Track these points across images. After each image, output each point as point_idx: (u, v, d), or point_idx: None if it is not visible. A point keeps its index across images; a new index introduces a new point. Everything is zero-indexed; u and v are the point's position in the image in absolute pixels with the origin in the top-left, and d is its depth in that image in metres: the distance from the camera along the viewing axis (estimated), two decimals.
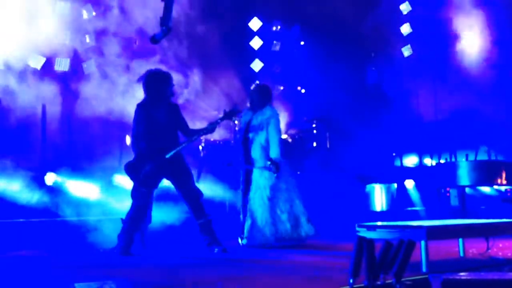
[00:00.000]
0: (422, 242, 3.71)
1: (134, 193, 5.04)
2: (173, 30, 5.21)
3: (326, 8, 9.92)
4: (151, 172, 4.99)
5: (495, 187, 9.24)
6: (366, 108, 10.52)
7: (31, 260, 4.92)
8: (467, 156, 8.29)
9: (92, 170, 7.17)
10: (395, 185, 9.55)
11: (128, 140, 8.35)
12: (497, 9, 10.67)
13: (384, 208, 9.17)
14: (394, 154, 10.97)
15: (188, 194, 5.05)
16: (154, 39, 4.95)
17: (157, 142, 5.05)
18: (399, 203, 9.36)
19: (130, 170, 5.05)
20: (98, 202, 6.88)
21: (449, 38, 11.08)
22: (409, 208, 9.13)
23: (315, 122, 9.72)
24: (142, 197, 5.01)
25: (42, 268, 4.42)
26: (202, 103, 8.78)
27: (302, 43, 11.25)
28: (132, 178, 5.04)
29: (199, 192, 5.10)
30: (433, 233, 3.72)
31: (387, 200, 9.26)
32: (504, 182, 6.87)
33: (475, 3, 10.90)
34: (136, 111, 5.16)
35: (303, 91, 11.13)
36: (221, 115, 5.25)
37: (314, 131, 9.82)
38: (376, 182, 9.21)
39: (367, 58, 11.14)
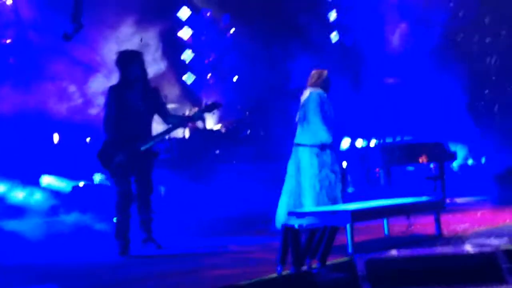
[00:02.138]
0: (347, 225, 3.87)
1: (115, 183, 4.81)
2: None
3: None
4: (124, 162, 4.71)
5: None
6: (300, 92, 10.72)
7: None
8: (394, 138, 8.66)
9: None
10: None
11: (55, 138, 8.11)
12: None
13: None
14: None
15: (142, 186, 4.85)
16: (67, 36, 4.80)
17: (130, 128, 4.75)
18: None
19: (102, 158, 4.79)
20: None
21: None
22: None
23: (248, 110, 9.81)
24: (124, 186, 4.76)
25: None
26: None
27: (232, 30, 11.26)
28: (103, 166, 4.84)
29: (152, 188, 4.92)
30: (357, 216, 3.89)
31: None
32: (425, 160, 7.27)
33: None
34: (107, 94, 4.85)
35: (235, 79, 11.16)
36: (201, 108, 5.12)
37: (248, 120, 9.91)
38: None
39: (297, 42, 11.30)
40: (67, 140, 8.15)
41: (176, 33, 10.55)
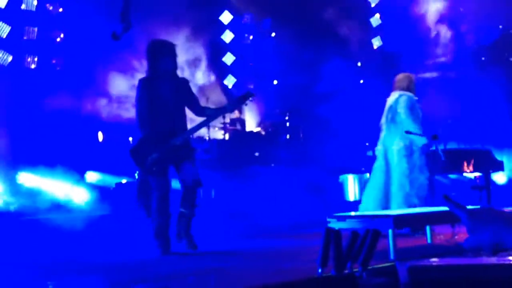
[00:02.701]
0: (390, 231, 3.80)
1: (152, 181, 4.58)
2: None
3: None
4: (158, 160, 4.47)
5: (466, 174, 9.45)
6: (339, 98, 10.65)
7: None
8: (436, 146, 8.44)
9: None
10: (368, 174, 9.70)
11: (100, 136, 8.32)
12: None
13: (357, 198, 9.32)
14: (367, 144, 11.12)
15: (187, 179, 4.55)
16: (115, 35, 4.86)
17: (163, 123, 4.49)
18: None
19: (136, 156, 4.54)
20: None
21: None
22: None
23: (287, 114, 9.80)
24: (162, 184, 4.53)
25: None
26: None
27: (273, 34, 11.29)
28: (137, 164, 4.60)
29: (199, 182, 4.60)
30: (400, 222, 3.82)
31: (360, 190, 9.41)
32: (470, 169, 7.05)
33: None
34: (138, 87, 4.56)
35: (275, 82, 11.17)
36: (234, 98, 4.85)
37: (287, 124, 9.90)
38: (349, 172, 9.35)
39: (340, 48, 11.22)
40: (111, 139, 8.35)
41: (219, 36, 10.66)
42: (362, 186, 9.51)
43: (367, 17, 11.33)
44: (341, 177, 9.26)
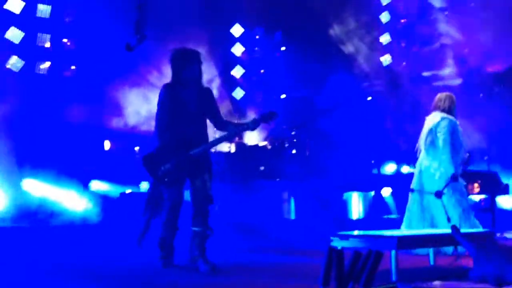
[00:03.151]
0: (392, 252, 3.79)
1: (164, 192, 4.42)
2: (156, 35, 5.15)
3: (307, 13, 10.08)
4: (172, 170, 4.28)
5: (471, 196, 9.41)
6: (347, 115, 10.67)
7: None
8: None
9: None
10: (372, 193, 9.68)
11: (106, 145, 8.37)
12: None
13: (361, 216, 9.29)
14: (373, 161, 11.12)
15: (198, 195, 4.37)
16: (129, 47, 4.90)
17: (184, 131, 4.31)
18: (376, 211, 9.50)
19: (148, 163, 4.35)
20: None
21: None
22: (386, 216, 9.26)
23: (294, 129, 9.82)
24: (173, 196, 4.36)
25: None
26: None
27: (283, 48, 11.36)
28: (149, 173, 4.39)
29: (210, 198, 4.41)
30: (403, 243, 3.81)
31: (364, 208, 9.39)
32: (476, 191, 7.04)
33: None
34: (162, 92, 4.39)
35: (283, 96, 11.21)
36: (258, 117, 4.49)
37: (294, 139, 9.92)
38: (354, 190, 9.33)
39: (347, 63, 11.27)
40: (118, 148, 8.40)
41: (229, 49, 10.75)
42: (366, 204, 9.49)
43: (378, 34, 11.39)
44: (346, 195, 9.24)
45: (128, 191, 7.64)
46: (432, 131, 5.37)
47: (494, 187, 7.26)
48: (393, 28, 11.35)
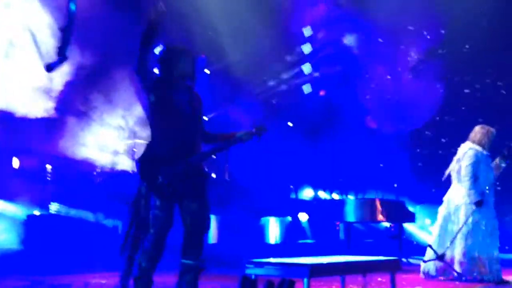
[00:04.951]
0: (305, 280, 3.87)
1: (152, 210, 3.60)
2: None
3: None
4: (173, 180, 3.54)
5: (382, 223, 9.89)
6: (268, 141, 10.85)
7: None
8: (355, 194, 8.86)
9: None
10: (290, 217, 9.88)
11: (15, 163, 7.89)
12: None
13: (278, 241, 9.43)
14: (291, 186, 11.37)
15: (194, 220, 3.60)
16: (49, 67, 4.73)
17: (180, 136, 3.61)
18: (293, 235, 9.69)
19: (146, 169, 3.59)
20: None
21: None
22: (301, 241, 9.47)
23: (214, 152, 9.82)
24: (163, 216, 3.58)
25: None
26: None
27: (207, 71, 11.42)
28: (145, 182, 3.61)
29: (208, 223, 3.72)
30: (315, 271, 3.90)
31: (281, 233, 9.54)
32: (384, 218, 7.40)
33: None
34: (150, 86, 3.65)
35: (205, 118, 11.22)
36: (251, 130, 3.88)
37: (213, 163, 9.92)
38: (271, 214, 9.47)
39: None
40: (27, 166, 7.93)
41: None
42: (283, 228, 9.66)
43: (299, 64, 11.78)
44: (263, 219, 9.35)
45: (36, 212, 7.23)
46: (459, 160, 5.77)
47: (401, 215, 7.66)
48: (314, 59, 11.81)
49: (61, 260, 6.17)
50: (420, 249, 10.43)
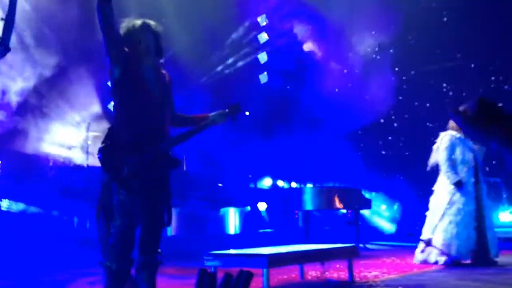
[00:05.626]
0: (264, 270, 3.89)
1: (117, 206, 3.22)
2: None
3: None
4: (140, 170, 3.16)
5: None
6: (224, 129, 10.82)
7: None
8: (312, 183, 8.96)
9: None
10: (249, 207, 9.90)
11: None
12: None
13: (238, 231, 9.43)
14: (250, 176, 11.39)
15: (153, 213, 3.26)
16: None
17: (149, 118, 3.24)
18: (252, 225, 9.72)
19: (109, 158, 3.21)
20: None
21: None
22: (261, 230, 9.51)
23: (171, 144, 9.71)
24: (130, 209, 3.21)
25: None
26: None
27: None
28: (109, 172, 3.23)
29: (165, 220, 3.33)
30: (273, 261, 3.92)
31: (240, 223, 9.55)
32: (341, 206, 7.52)
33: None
34: (115, 55, 3.23)
35: None
36: (225, 110, 3.51)
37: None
38: (230, 205, 9.46)
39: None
40: None
41: None
42: (243, 219, 9.67)
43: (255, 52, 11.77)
44: (222, 210, 9.33)
45: None
46: (438, 148, 6.02)
47: (358, 202, 7.81)
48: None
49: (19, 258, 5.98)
50: (376, 234, 10.74)
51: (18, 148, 7.76)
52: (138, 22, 3.39)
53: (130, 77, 3.26)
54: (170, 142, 3.26)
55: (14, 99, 7.89)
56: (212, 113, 3.47)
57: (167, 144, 3.23)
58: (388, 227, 11.60)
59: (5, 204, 7.23)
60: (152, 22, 3.42)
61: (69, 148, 8.43)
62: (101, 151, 3.22)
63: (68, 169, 8.05)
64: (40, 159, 7.92)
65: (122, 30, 3.35)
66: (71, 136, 8.40)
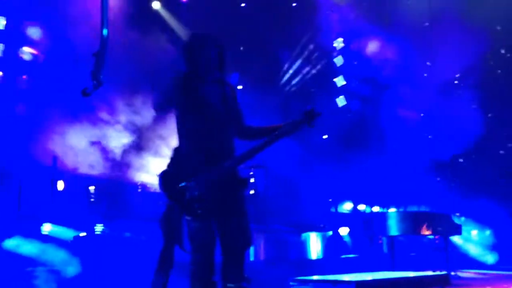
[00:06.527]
0: None
1: (190, 232, 3.04)
2: None
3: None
4: (204, 194, 2.97)
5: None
6: (304, 155, 10.81)
7: None
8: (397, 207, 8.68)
9: None
10: (331, 232, 9.74)
11: (60, 185, 8.09)
12: None
13: (320, 256, 9.28)
14: (330, 200, 11.23)
15: (234, 236, 3.06)
16: (85, 93, 4.83)
17: (211, 137, 3.08)
18: (334, 250, 9.54)
19: (169, 184, 3.03)
20: None
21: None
22: (344, 256, 9.29)
23: (252, 169, 9.83)
24: (203, 233, 3.02)
25: None
26: None
27: (240, 87, 11.51)
28: (171, 198, 3.03)
29: (250, 238, 3.12)
30: None
31: (322, 248, 9.40)
32: (428, 232, 7.19)
33: None
34: (171, 86, 3.15)
35: None
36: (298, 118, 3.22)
37: (252, 179, 9.91)
38: (312, 230, 9.35)
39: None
40: (71, 188, 8.13)
41: None
42: (325, 244, 9.51)
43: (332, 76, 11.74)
44: (304, 235, 9.24)
45: (82, 234, 7.36)
46: None
47: (447, 228, 7.43)
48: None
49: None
50: (467, 261, 10.13)
51: (124, 179, 8.22)
52: (200, 35, 3.28)
53: (192, 98, 3.13)
54: (236, 160, 3.06)
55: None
56: (286, 123, 3.21)
57: (232, 162, 3.03)
58: (479, 253, 10.93)
59: (99, 228, 7.62)
60: (214, 36, 3.28)
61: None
62: (161, 176, 3.06)
63: (155, 195, 8.37)
64: (131, 186, 8.31)
65: (185, 44, 3.29)
66: (162, 166, 8.73)
